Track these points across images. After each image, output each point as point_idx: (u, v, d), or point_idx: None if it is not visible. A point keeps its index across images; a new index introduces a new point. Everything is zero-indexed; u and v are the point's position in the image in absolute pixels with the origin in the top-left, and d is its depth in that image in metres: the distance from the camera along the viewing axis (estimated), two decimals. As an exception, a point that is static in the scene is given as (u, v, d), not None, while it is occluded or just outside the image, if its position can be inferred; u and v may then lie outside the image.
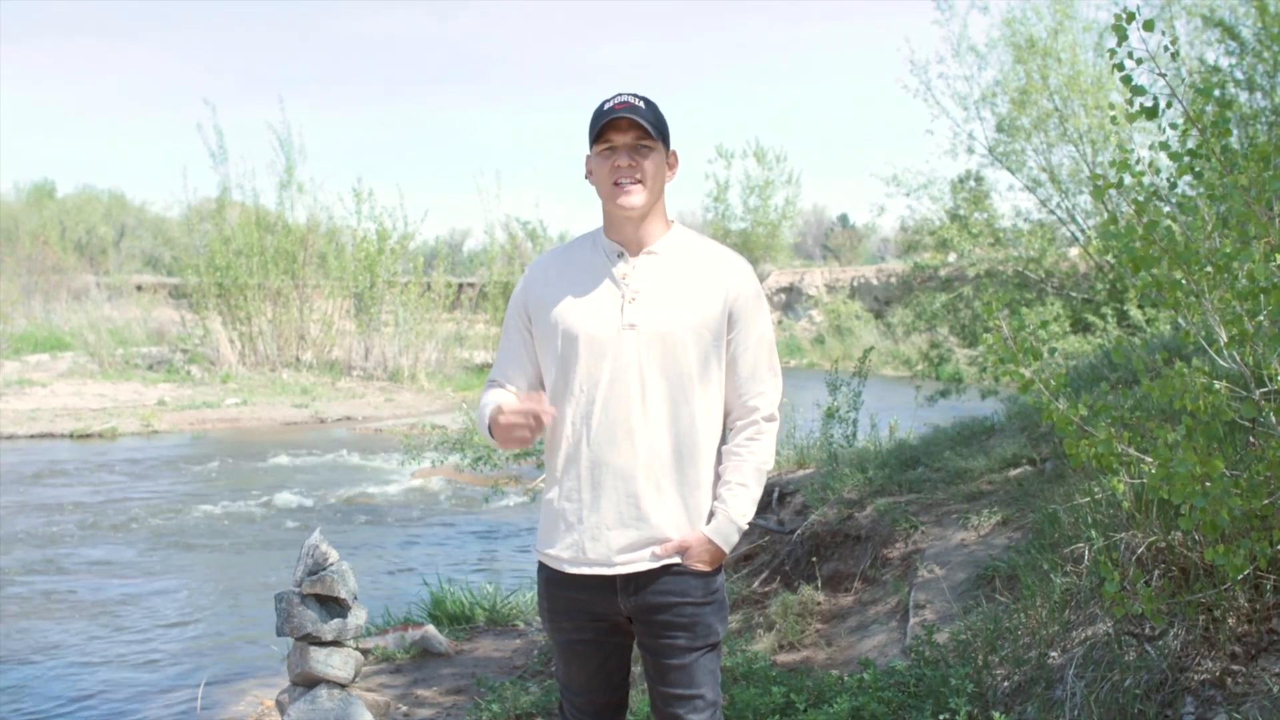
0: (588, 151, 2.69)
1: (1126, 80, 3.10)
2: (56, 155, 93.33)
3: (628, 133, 2.60)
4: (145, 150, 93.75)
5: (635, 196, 2.61)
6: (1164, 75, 3.04)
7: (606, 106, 2.62)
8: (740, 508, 2.67)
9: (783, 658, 5.09)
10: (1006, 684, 3.88)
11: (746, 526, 2.71)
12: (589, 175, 2.71)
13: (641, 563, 2.63)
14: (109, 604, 7.68)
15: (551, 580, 2.73)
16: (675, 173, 2.72)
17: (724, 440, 2.75)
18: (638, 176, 2.61)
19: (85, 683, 6.07)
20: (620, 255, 2.68)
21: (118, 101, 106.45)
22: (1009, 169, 16.54)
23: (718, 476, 2.71)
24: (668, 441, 2.62)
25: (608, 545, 2.63)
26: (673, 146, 2.71)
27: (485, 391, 2.83)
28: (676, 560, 2.64)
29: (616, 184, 2.62)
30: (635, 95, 2.63)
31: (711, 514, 2.68)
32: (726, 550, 2.68)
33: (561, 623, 2.74)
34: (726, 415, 2.74)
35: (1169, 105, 3.15)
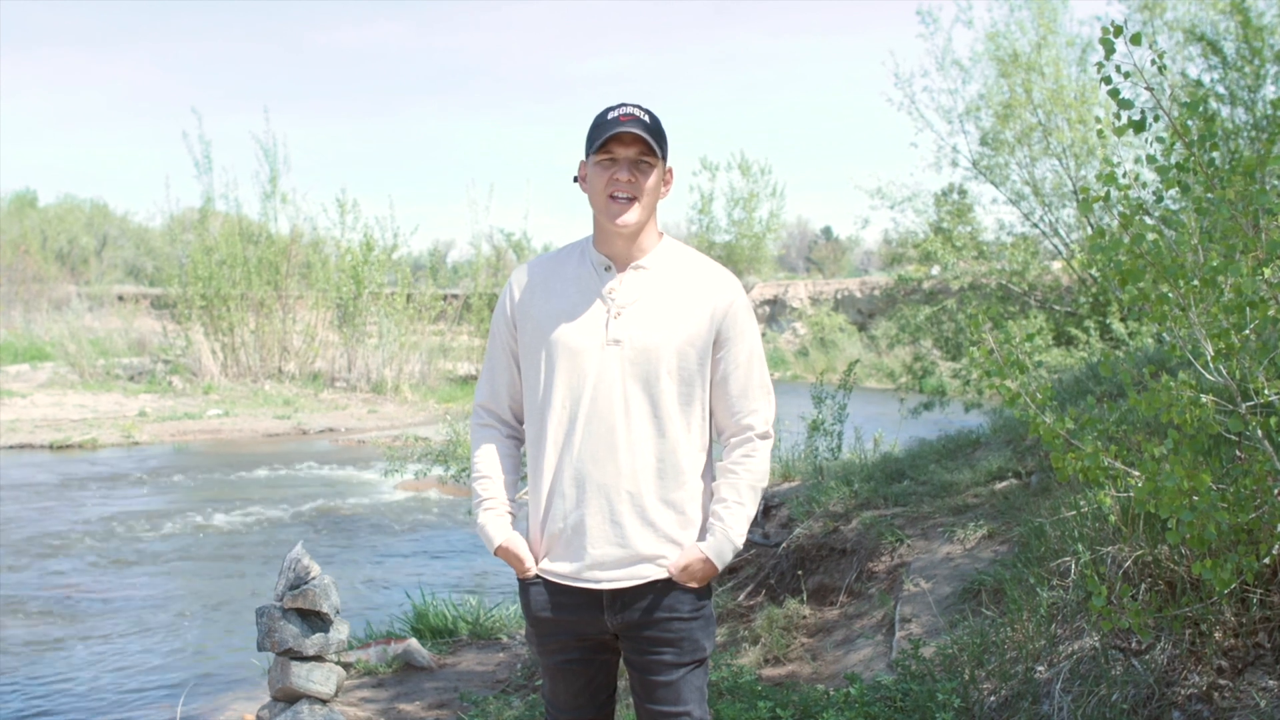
0: (583, 157, 2.61)
1: (1114, 94, 3.10)
2: (39, 164, 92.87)
3: (631, 147, 2.53)
4: (128, 160, 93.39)
5: (631, 214, 2.55)
6: (1151, 89, 3.04)
7: (611, 116, 2.54)
8: (738, 526, 2.63)
9: (768, 672, 5.06)
10: (993, 698, 3.86)
11: (742, 545, 2.67)
12: (580, 180, 2.64)
13: (628, 579, 2.59)
14: (87, 616, 7.60)
15: (537, 598, 2.67)
16: (670, 189, 2.66)
17: (717, 457, 2.71)
18: (635, 194, 2.54)
19: (62, 696, 5.99)
20: (608, 269, 2.62)
21: (101, 111, 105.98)
22: (992, 182, 16.65)
23: (713, 494, 2.66)
24: (651, 458, 2.57)
25: (594, 561, 2.58)
26: (669, 164, 2.64)
27: (475, 429, 2.76)
28: (664, 575, 2.59)
29: (613, 198, 2.55)
30: (639, 107, 2.55)
31: (707, 531, 2.63)
32: (720, 568, 2.63)
33: (548, 642, 2.68)
34: (720, 434, 2.69)
35: (1156, 119, 3.15)
